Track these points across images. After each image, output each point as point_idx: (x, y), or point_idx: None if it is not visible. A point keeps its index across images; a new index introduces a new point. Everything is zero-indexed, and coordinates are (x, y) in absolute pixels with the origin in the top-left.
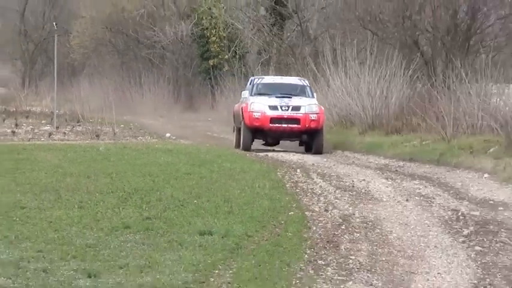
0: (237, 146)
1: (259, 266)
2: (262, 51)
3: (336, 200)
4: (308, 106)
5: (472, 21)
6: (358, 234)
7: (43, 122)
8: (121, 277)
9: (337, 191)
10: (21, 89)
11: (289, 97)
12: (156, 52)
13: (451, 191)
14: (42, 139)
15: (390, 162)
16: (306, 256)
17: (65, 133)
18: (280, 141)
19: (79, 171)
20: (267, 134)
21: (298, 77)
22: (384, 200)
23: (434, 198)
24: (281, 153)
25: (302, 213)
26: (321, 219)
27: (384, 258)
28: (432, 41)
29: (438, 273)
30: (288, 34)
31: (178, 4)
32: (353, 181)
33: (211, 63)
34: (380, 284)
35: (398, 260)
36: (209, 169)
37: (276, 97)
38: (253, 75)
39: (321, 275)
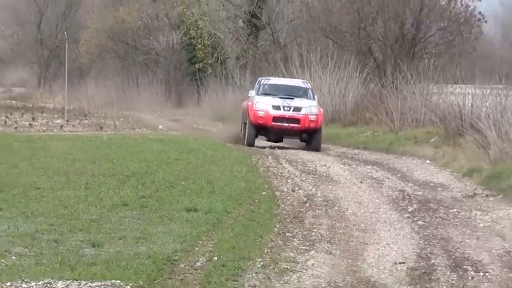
0: (244, 139)
1: (237, 237)
2: (240, 57)
3: (301, 182)
4: (308, 107)
5: (417, 32)
6: (320, 211)
7: (55, 116)
8: (120, 247)
9: (302, 175)
10: (37, 89)
11: (292, 98)
12: (151, 57)
13: (398, 175)
14: (55, 130)
15: (347, 150)
16: (276, 229)
17: (74, 125)
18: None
19: (85, 158)
20: (269, 131)
21: (302, 80)
22: (342, 182)
23: (384, 181)
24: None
25: (273, 193)
26: (288, 198)
27: (341, 231)
28: (383, 48)
29: (387, 244)
30: (262, 42)
31: (169, 17)
32: (316, 166)
33: (197, 67)
34: (338, 253)
35: (353, 232)
36: (195, 156)
37: (280, 98)
38: (232, 78)
39: (288, 245)
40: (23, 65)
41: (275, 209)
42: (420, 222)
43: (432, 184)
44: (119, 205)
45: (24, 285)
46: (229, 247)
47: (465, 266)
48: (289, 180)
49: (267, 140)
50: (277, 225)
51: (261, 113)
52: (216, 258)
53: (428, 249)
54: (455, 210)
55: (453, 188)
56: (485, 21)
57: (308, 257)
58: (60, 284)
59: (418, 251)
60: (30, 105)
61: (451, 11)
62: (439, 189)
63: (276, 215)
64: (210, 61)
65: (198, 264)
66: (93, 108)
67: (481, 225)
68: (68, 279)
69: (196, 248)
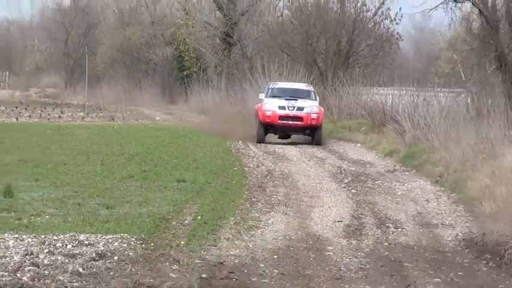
0: (255, 137)
1: (215, 201)
2: (217, 66)
3: (264, 160)
4: (310, 107)
5: (350, 47)
6: (278, 182)
7: (78, 110)
8: (127, 209)
9: (264, 155)
10: (64, 89)
11: (296, 99)
12: (150, 66)
13: (337, 155)
14: (78, 121)
15: (298, 137)
16: (245, 196)
17: (92, 117)
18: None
19: (101, 141)
20: (276, 128)
21: (305, 83)
22: (294, 160)
23: (326, 159)
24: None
25: (242, 168)
26: (254, 172)
27: (294, 197)
28: (325, 60)
29: (328, 207)
30: (234, 55)
31: (164, 36)
32: (274, 148)
33: (185, 74)
34: (291, 213)
35: (303, 198)
36: (184, 140)
37: (285, 99)
38: (211, 82)
39: (254, 207)
40: (54, 71)
41: (244, 180)
42: (353, 191)
43: (362, 162)
44: (126, 177)
45: (55, 237)
46: (209, 209)
47: (387, 224)
48: (254, 159)
49: (278, 138)
50: (246, 193)
51: (268, 113)
52: (199, 217)
53: (360, 211)
54: (379, 181)
55: (378, 165)
56: (401, 39)
57: (269, 217)
58: (82, 236)
59: (351, 212)
60: (59, 102)
61: (376, 32)
62: (367, 165)
63: (244, 184)
64: (194, 69)
65: (186, 221)
66: (106, 104)
67: (399, 193)
68: (88, 233)
69: (185, 210)
